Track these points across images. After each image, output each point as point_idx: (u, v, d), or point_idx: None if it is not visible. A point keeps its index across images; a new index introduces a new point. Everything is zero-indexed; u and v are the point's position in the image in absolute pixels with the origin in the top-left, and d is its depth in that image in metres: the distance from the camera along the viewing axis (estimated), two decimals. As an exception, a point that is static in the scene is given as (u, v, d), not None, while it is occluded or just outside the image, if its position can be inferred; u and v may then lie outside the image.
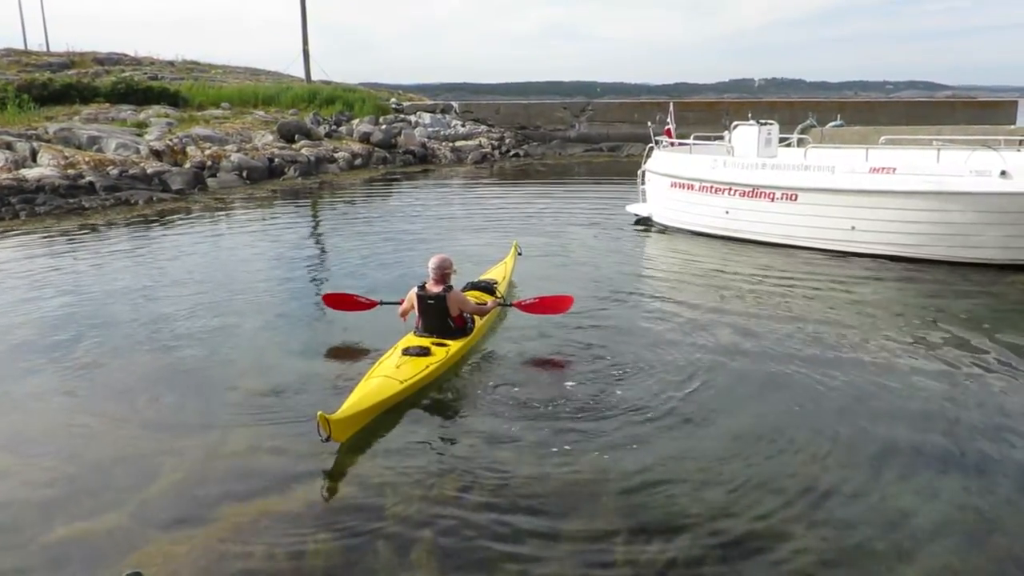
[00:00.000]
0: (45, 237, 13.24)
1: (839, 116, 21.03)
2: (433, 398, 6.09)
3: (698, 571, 3.90)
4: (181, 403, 6.06)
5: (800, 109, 25.21)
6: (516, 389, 6.17)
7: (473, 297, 7.53)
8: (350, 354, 7.14)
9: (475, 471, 4.88)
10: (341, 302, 7.88)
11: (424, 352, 6.32)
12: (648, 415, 5.64)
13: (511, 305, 7.69)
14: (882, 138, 12.99)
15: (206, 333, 7.72)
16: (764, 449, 5.15)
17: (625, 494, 4.60)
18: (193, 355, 7.12)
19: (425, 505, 4.50)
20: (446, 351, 6.48)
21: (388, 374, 5.93)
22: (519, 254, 9.94)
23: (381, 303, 7.67)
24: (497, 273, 8.98)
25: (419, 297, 6.70)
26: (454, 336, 6.70)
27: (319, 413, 5.00)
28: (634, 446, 5.17)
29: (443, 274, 6.71)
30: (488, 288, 8.05)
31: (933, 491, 4.61)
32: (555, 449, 5.13)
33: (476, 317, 7.12)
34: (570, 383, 6.31)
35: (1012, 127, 20.33)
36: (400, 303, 7.15)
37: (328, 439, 5.01)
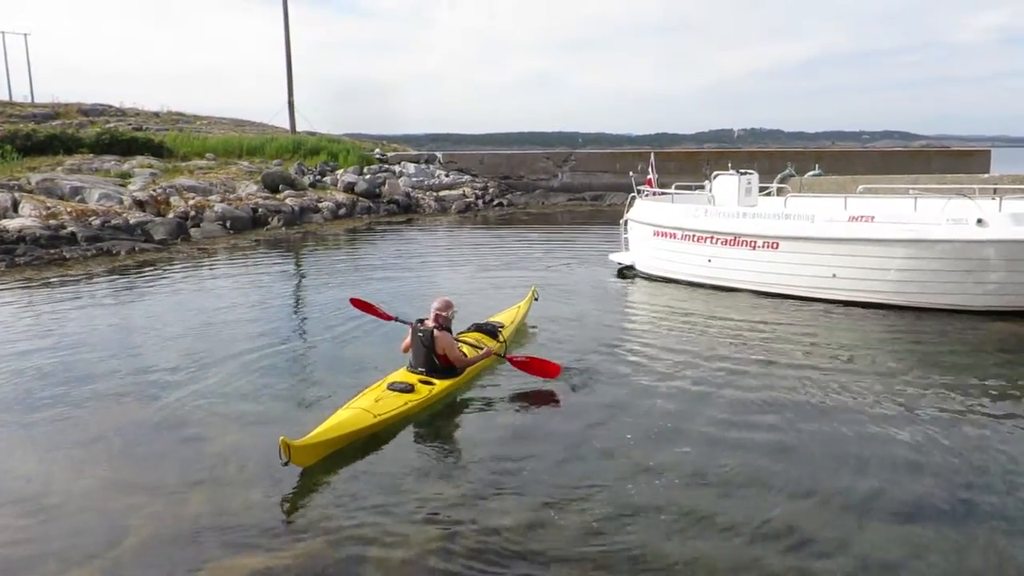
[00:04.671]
0: (24, 288, 13.08)
1: (817, 165, 21.37)
2: (412, 436, 6.25)
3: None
4: (156, 457, 5.91)
5: (779, 159, 25.66)
6: (493, 437, 6.19)
7: (473, 338, 7.80)
8: (327, 407, 7.02)
9: (458, 526, 4.78)
10: (365, 306, 8.29)
11: (408, 389, 6.57)
12: (627, 466, 5.58)
13: (504, 357, 7.57)
14: (860, 187, 13.20)
15: (184, 385, 7.57)
16: (742, 498, 5.09)
17: (595, 545, 4.51)
18: (170, 407, 6.97)
19: (406, 559, 4.39)
20: (429, 390, 6.70)
21: (364, 407, 6.17)
22: (535, 299, 10.13)
23: (396, 319, 7.95)
24: (508, 316, 9.10)
25: (412, 328, 7.13)
26: (441, 375, 6.93)
27: (281, 438, 5.31)
28: (608, 495, 5.10)
29: (438, 315, 7.14)
30: (492, 331, 8.17)
31: (914, 540, 4.56)
32: (517, 497, 5.05)
33: (468, 357, 7.33)
34: (547, 432, 6.27)
35: (986, 176, 20.71)
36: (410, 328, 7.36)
37: (287, 463, 5.32)
